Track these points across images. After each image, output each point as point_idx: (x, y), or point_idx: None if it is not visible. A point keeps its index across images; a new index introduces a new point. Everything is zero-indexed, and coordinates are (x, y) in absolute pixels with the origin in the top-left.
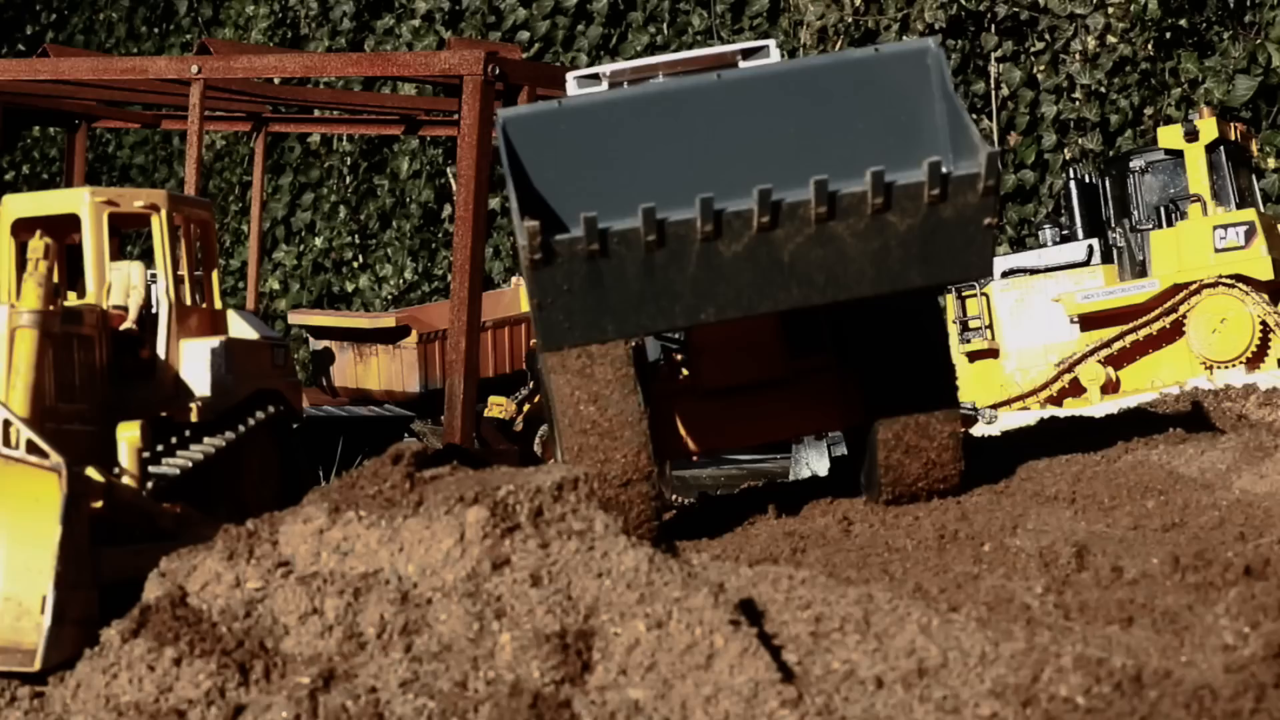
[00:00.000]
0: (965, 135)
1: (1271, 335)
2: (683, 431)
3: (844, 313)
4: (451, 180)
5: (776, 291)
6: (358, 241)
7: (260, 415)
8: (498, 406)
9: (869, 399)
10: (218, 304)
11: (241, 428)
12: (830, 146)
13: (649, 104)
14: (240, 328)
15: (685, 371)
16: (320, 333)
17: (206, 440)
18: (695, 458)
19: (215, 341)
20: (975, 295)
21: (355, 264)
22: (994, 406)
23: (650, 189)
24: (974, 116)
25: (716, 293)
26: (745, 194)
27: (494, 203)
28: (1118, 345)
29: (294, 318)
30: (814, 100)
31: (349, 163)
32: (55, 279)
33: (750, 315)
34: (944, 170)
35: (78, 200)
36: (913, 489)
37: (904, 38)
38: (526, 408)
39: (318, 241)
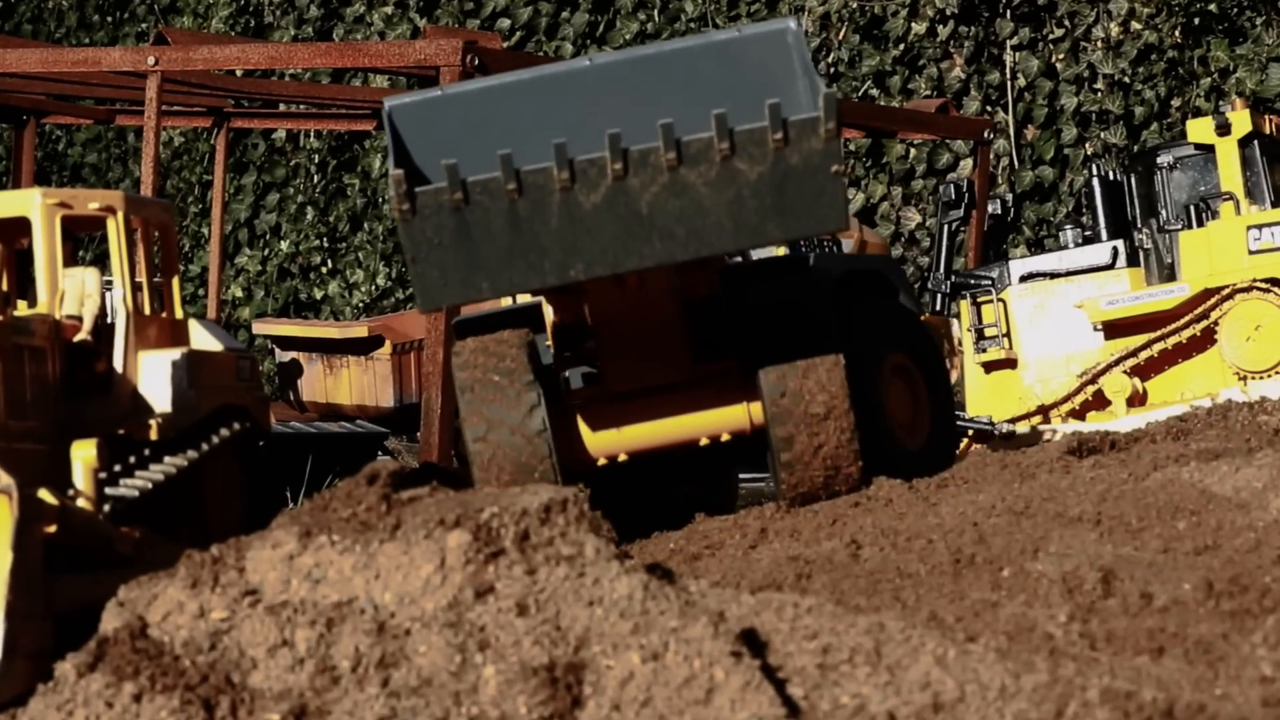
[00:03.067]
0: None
1: None
2: (588, 437)
3: (741, 312)
4: None
5: (641, 246)
6: (327, 245)
7: (225, 432)
8: None
9: (764, 398)
10: (178, 313)
11: (205, 446)
12: (700, 123)
13: (526, 89)
14: (203, 338)
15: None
16: (287, 343)
17: (167, 459)
18: (602, 464)
19: (176, 353)
20: (991, 301)
21: (324, 269)
22: (1012, 420)
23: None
24: (989, 109)
25: (582, 247)
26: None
27: None
28: (1145, 354)
29: (258, 327)
30: (683, 81)
31: (317, 161)
32: (4, 287)
33: (619, 271)
34: (783, 115)
35: (28, 202)
36: (813, 488)
37: (912, 25)
38: None
39: (284, 245)
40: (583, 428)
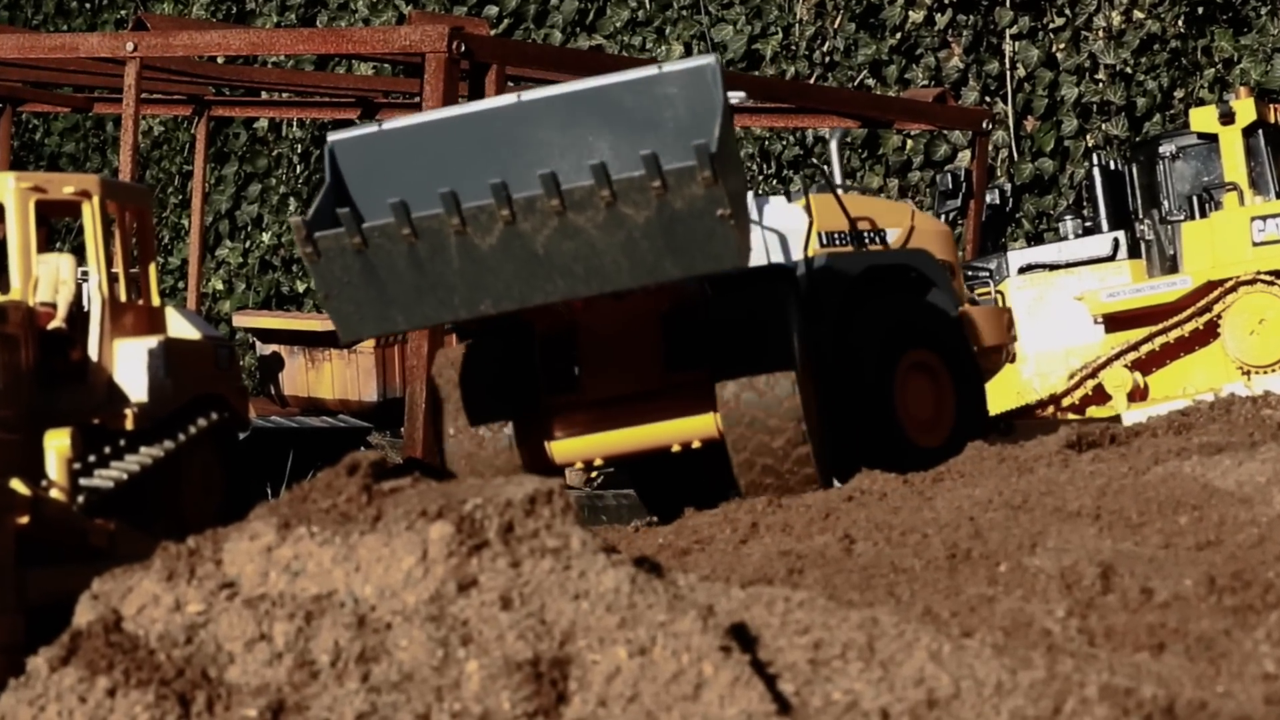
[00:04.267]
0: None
1: None
2: (562, 442)
3: (710, 321)
4: None
5: (543, 283)
6: None
7: (202, 422)
8: None
9: (719, 407)
10: (155, 300)
11: (181, 436)
12: (623, 156)
13: (460, 125)
14: (180, 327)
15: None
16: (268, 336)
17: (143, 450)
18: (575, 469)
19: (153, 341)
20: (989, 293)
21: None
22: (1010, 416)
23: (473, 191)
24: (988, 99)
25: (486, 284)
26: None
27: None
28: (1146, 348)
29: (239, 320)
30: (609, 116)
31: (300, 150)
32: None
33: (526, 306)
34: (659, 164)
35: (1, 186)
36: (766, 494)
37: (909, 13)
38: None
39: (265, 237)
40: (556, 433)
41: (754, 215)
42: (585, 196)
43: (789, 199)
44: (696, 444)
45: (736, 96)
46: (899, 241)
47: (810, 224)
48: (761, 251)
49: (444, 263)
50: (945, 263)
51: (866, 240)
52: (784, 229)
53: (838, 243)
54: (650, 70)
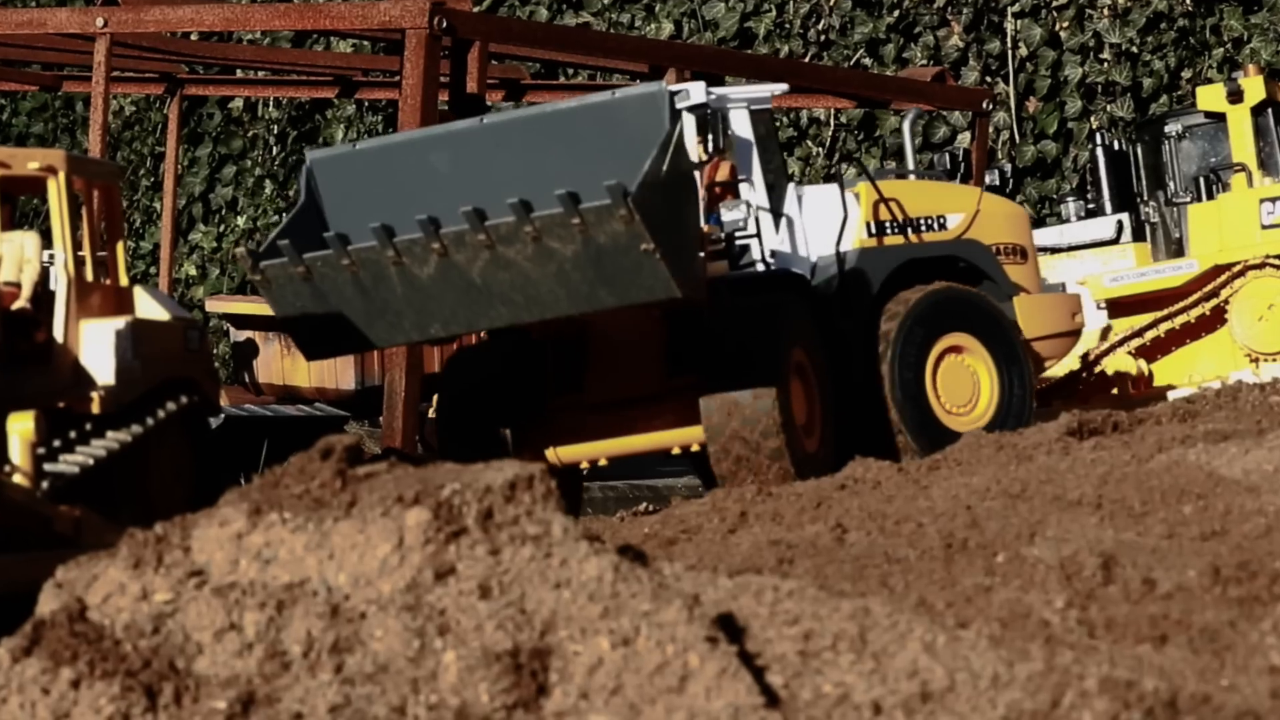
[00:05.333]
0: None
1: None
2: (564, 446)
3: (705, 328)
4: None
5: (487, 310)
6: None
7: (171, 406)
8: None
9: (702, 416)
10: (123, 280)
11: (150, 420)
12: (579, 179)
13: (427, 146)
14: (149, 307)
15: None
16: (242, 322)
17: (110, 434)
18: (573, 467)
19: (120, 322)
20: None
21: None
22: None
23: (414, 222)
24: (989, 79)
25: (432, 310)
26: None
27: None
28: (1151, 334)
29: (212, 305)
30: (567, 139)
31: (276, 131)
32: None
33: (473, 330)
34: (578, 201)
35: None
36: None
37: None
38: None
39: (240, 221)
40: (559, 435)
41: (795, 206)
42: (511, 231)
43: (842, 187)
44: (695, 447)
45: (780, 89)
46: (961, 227)
47: (845, 216)
48: (802, 243)
49: (388, 290)
50: (1015, 246)
51: (922, 227)
52: (827, 219)
53: (888, 231)
54: (605, 96)
